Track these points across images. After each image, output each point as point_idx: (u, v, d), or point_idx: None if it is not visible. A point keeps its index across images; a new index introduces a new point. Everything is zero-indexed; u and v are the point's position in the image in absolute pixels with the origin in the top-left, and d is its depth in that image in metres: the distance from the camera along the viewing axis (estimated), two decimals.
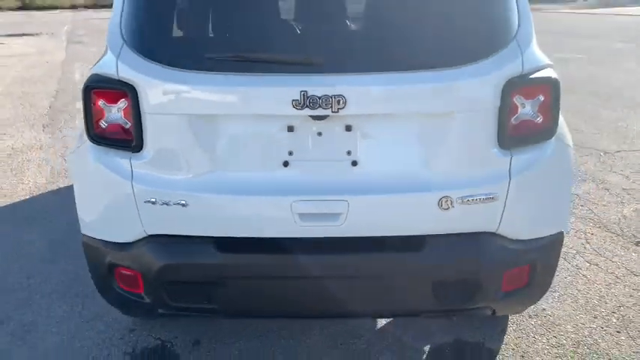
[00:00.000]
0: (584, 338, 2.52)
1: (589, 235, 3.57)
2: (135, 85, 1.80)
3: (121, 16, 1.89)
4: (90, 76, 1.90)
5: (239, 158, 1.86)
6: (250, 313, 2.12)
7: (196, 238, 1.89)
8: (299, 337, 2.51)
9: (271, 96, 1.76)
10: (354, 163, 1.85)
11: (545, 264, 2.05)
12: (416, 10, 1.90)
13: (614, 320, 2.66)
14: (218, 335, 2.53)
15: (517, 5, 1.90)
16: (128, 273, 1.97)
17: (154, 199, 1.87)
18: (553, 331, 2.58)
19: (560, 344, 2.49)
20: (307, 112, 1.74)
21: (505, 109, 1.83)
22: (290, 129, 1.82)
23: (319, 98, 1.72)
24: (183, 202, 1.85)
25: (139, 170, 1.87)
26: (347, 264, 1.89)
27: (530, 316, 2.69)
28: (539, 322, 2.65)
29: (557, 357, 2.40)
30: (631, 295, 2.86)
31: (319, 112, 1.74)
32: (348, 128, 1.82)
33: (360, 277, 1.91)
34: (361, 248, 1.87)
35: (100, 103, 1.86)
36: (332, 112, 1.74)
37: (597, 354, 2.41)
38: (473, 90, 1.82)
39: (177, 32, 2.09)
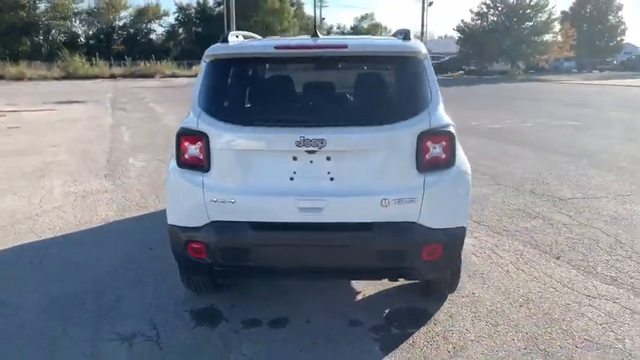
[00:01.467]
0: (496, 309, 3.71)
1: (524, 252, 4.76)
2: (207, 133, 3.19)
3: (199, 93, 3.30)
4: (180, 128, 3.29)
5: (264, 175, 3.19)
6: (269, 269, 3.39)
7: (238, 222, 3.21)
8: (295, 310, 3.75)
9: (283, 139, 3.11)
10: (332, 179, 3.17)
11: (452, 245, 3.30)
12: (369, 91, 3.29)
13: (521, 300, 3.85)
14: (248, 303, 3.79)
15: (430, 89, 3.26)
16: (197, 246, 3.28)
17: (215, 199, 3.21)
18: (476, 305, 3.78)
19: (479, 311, 3.68)
20: (304, 148, 3.10)
21: (420, 148, 3.16)
22: (294, 158, 3.15)
23: (310, 141, 3.08)
24: (232, 200, 3.19)
25: (207, 182, 3.23)
26: (327, 238, 3.17)
27: (462, 296, 3.89)
28: (468, 300, 3.84)
29: (474, 318, 3.59)
30: (539, 288, 4.04)
31: (310, 148, 3.09)
32: (328, 158, 3.15)
33: (335, 246, 3.19)
34: (335, 228, 3.16)
35: (186, 144, 3.25)
36: (318, 149, 3.09)
37: (502, 316, 3.60)
38: (400, 137, 3.15)
39: (230, 102, 3.48)
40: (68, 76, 39.52)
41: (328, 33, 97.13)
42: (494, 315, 3.61)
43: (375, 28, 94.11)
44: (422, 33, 49.93)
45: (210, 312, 3.69)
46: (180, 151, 3.27)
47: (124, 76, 40.20)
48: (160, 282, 4.09)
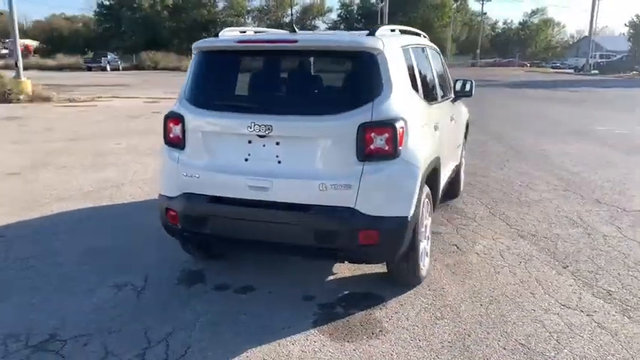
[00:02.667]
0: (451, 304, 3.74)
1: (533, 258, 4.59)
2: (184, 116, 3.70)
3: (185, 81, 3.82)
4: (168, 112, 3.84)
5: (224, 155, 3.62)
6: (222, 237, 3.80)
7: (200, 195, 3.68)
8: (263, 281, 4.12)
9: (237, 124, 3.51)
10: (279, 162, 3.49)
11: (391, 233, 3.44)
12: (316, 83, 3.55)
13: (485, 300, 3.82)
14: (231, 272, 4.24)
15: (382, 83, 3.42)
16: (172, 213, 3.82)
17: (185, 174, 3.71)
18: (436, 298, 3.83)
19: (432, 304, 3.74)
20: (255, 133, 3.46)
21: (361, 139, 3.35)
22: (249, 142, 3.53)
23: (259, 126, 3.43)
24: (197, 175, 3.66)
25: (182, 158, 3.74)
26: (270, 215, 3.50)
27: (429, 289, 3.95)
28: (432, 293, 3.90)
29: (422, 310, 3.67)
30: (516, 292, 3.95)
31: (260, 133, 3.45)
32: (277, 143, 3.48)
33: (277, 223, 3.51)
34: (279, 207, 3.48)
35: (170, 125, 3.79)
36: (266, 134, 3.43)
37: (452, 312, 3.63)
38: (340, 127, 3.36)
39: (201, 89, 3.84)
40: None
41: (493, 29, 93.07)
42: (445, 309, 3.66)
43: (546, 24, 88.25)
44: (590, 28, 46.00)
45: (197, 275, 4.21)
46: (165, 130, 3.82)
47: None
48: (178, 246, 4.61)
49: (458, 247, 4.81)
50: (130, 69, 46.54)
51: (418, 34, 4.97)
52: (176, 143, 3.77)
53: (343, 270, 4.24)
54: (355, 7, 79.28)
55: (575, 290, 3.97)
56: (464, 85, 5.44)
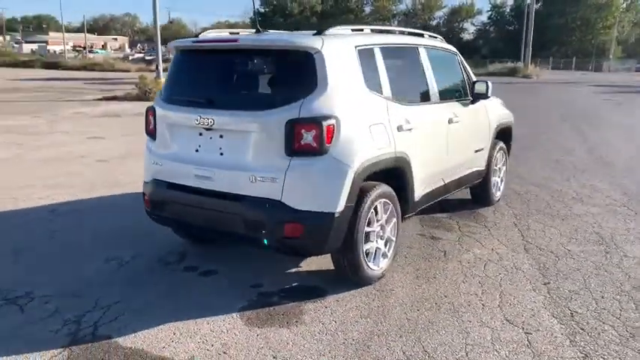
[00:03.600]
0: (384, 305, 3.71)
1: (518, 271, 4.33)
2: (155, 108, 4.10)
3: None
4: (149, 106, 4.27)
5: (180, 146, 3.95)
6: (178, 221, 4.12)
7: (162, 181, 4.05)
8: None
9: (190, 117, 3.82)
10: (222, 154, 3.74)
11: (316, 227, 3.51)
12: (255, 80, 3.73)
13: (426, 303, 3.73)
14: (210, 256, 4.56)
15: (317, 81, 3.52)
16: (145, 197, 4.25)
17: (153, 162, 4.11)
18: (375, 296, 3.82)
19: (364, 302, 3.74)
20: (202, 126, 3.75)
21: (290, 134, 3.48)
22: (200, 134, 3.83)
23: (204, 119, 3.71)
24: (160, 164, 4.05)
25: (153, 147, 4.15)
26: (210, 202, 3.76)
27: (376, 288, 3.94)
28: (374, 291, 3.89)
29: (353, 306, 3.69)
30: (463, 301, 3.80)
31: (206, 126, 3.73)
32: (221, 136, 3.74)
33: (214, 210, 3.76)
34: (218, 195, 3.73)
35: (149, 117, 4.21)
36: (210, 127, 3.71)
37: (379, 312, 3.60)
38: (270, 123, 3.52)
39: (170, 85, 4.17)
40: None
41: None
42: (377, 310, 3.64)
43: None
44: None
45: (178, 256, 4.59)
46: (146, 122, 4.26)
47: None
48: None
49: (445, 254, 4.67)
50: None
51: (418, 35, 4.91)
52: (151, 134, 4.19)
53: (310, 264, 4.35)
54: (507, 9, 75.83)
55: (535, 307, 3.70)
56: (480, 86, 5.22)
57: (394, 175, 4.10)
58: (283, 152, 3.49)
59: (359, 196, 3.69)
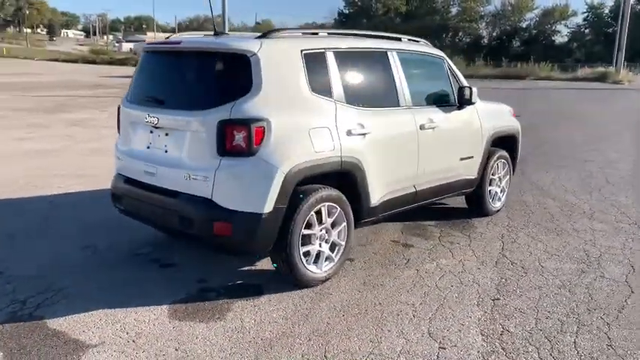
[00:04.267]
0: (313, 308, 3.72)
1: (482, 284, 4.21)
2: (120, 107, 4.35)
3: None
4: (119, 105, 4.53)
5: (135, 142, 4.16)
6: (131, 214, 4.32)
7: (121, 175, 4.28)
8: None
9: (141, 116, 4.01)
10: (166, 151, 3.92)
11: (243, 227, 3.59)
12: (196, 82, 3.85)
13: (362, 305, 3.71)
14: (175, 250, 4.75)
15: (253, 83, 3.61)
16: (111, 191, 4.50)
17: (117, 156, 4.36)
18: (311, 298, 3.85)
19: (299, 303, 3.77)
20: (150, 124, 3.95)
21: (221, 135, 3.59)
22: (151, 132, 4.02)
23: (151, 118, 3.90)
24: (121, 159, 4.28)
25: (118, 144, 4.40)
26: (152, 197, 3.94)
27: (314, 290, 3.96)
28: (311, 293, 3.92)
29: (281, 308, 3.74)
30: (395, 309, 3.74)
31: (153, 124, 3.92)
32: (166, 134, 3.91)
33: (158, 206, 3.92)
34: (158, 191, 3.90)
35: (118, 116, 4.47)
36: (156, 125, 3.89)
37: (310, 311, 3.63)
38: (203, 123, 3.64)
39: (132, 85, 4.38)
40: None
41: None
42: (296, 311, 3.65)
43: None
44: None
45: (151, 248, 4.80)
46: (118, 120, 4.52)
47: (495, 77, 40.89)
48: None
49: (407, 263, 4.59)
50: None
51: (394, 39, 4.86)
52: (118, 130, 4.43)
53: (266, 263, 4.41)
54: (606, 10, 71.45)
55: (467, 323, 3.58)
56: (465, 92, 5.08)
57: (346, 179, 4.09)
58: (215, 152, 3.59)
59: (294, 198, 3.72)
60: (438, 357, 3.17)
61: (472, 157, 5.40)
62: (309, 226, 3.90)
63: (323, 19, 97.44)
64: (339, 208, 4.06)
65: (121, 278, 4.16)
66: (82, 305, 3.69)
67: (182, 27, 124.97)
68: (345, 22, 73.31)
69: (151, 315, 3.60)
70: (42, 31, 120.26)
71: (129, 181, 4.17)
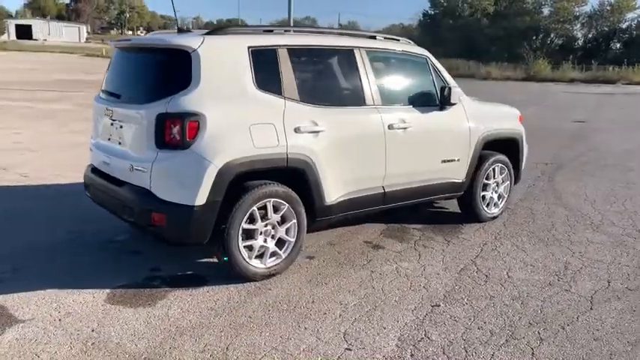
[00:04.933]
0: (248, 302, 3.78)
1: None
2: (93, 101, 4.61)
3: None
4: None
5: (100, 134, 4.39)
6: (96, 202, 4.53)
7: (90, 165, 4.53)
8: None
9: (102, 109, 4.24)
10: (120, 143, 4.11)
11: (176, 218, 3.70)
12: (145, 76, 4.01)
13: (283, 303, 3.73)
14: (147, 242, 4.96)
15: (192, 78, 3.72)
16: (83, 180, 4.76)
17: (90, 147, 4.62)
18: (248, 293, 3.90)
19: (234, 295, 3.84)
20: (108, 117, 4.16)
21: (159, 128, 3.73)
22: (111, 124, 4.24)
23: (109, 110, 4.12)
24: (91, 149, 4.54)
25: (91, 135, 4.66)
26: (106, 187, 4.15)
27: (256, 285, 4.02)
28: (251, 287, 3.97)
29: (213, 300, 3.82)
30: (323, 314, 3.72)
31: (110, 117, 4.13)
32: (121, 127, 4.11)
33: (110, 195, 4.11)
34: (112, 180, 4.10)
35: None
36: (111, 118, 4.10)
37: (239, 307, 3.69)
38: (144, 116, 3.78)
39: (103, 85, 4.56)
40: (528, 78, 40.94)
41: None
42: (227, 304, 3.72)
43: None
44: None
45: (128, 235, 5.06)
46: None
47: (583, 82, 38.69)
48: None
49: (367, 264, 4.53)
50: None
51: (369, 37, 4.79)
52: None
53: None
54: None
55: (391, 327, 3.50)
56: (446, 92, 4.92)
57: (296, 176, 4.11)
58: (154, 144, 3.73)
59: (233, 192, 3.79)
60: (339, 357, 3.12)
61: (457, 159, 5.21)
62: (252, 221, 3.95)
63: (409, 20, 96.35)
64: (287, 205, 4.08)
65: (86, 262, 4.40)
66: (35, 284, 3.93)
67: None
68: (429, 22, 72.18)
69: (89, 297, 3.79)
70: (142, 33, 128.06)
71: (94, 170, 4.41)
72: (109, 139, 4.25)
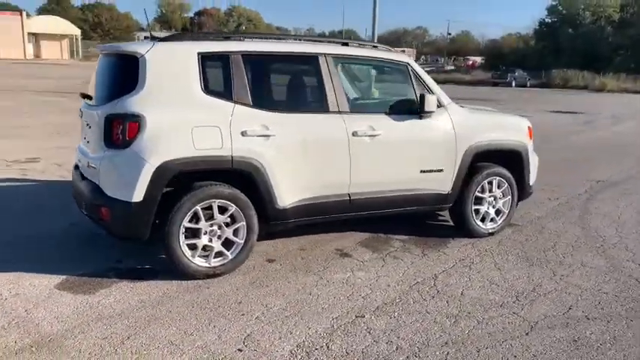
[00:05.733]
0: (182, 299, 3.93)
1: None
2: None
3: None
4: None
5: (82, 135, 4.77)
6: (73, 196, 4.86)
7: (74, 164, 4.93)
8: None
9: (80, 111, 4.61)
10: (88, 142, 4.44)
11: (117, 214, 3.94)
12: (107, 79, 4.28)
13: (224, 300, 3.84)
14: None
15: (139, 82, 3.96)
16: None
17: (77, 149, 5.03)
18: (182, 290, 4.05)
19: (171, 290, 4.01)
20: (83, 118, 4.52)
21: (107, 127, 4.00)
22: (87, 125, 4.59)
23: (81, 112, 4.48)
24: (76, 149, 4.94)
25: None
26: (76, 181, 4.48)
27: (197, 285, 4.15)
28: (190, 284, 4.11)
29: (146, 293, 4.01)
30: (255, 325, 3.77)
31: (83, 118, 4.48)
32: (89, 127, 4.44)
33: (77, 188, 4.44)
34: (80, 177, 4.44)
35: None
36: (84, 119, 4.45)
37: (179, 302, 3.86)
38: (97, 116, 4.07)
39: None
40: None
41: None
42: (161, 299, 3.89)
43: None
44: None
45: None
46: None
47: None
48: None
49: (323, 269, 4.52)
50: (537, 86, 45.99)
51: (342, 44, 4.78)
52: None
53: None
54: None
55: (294, 332, 3.48)
56: (421, 99, 4.78)
57: (245, 178, 4.20)
58: (103, 143, 4.01)
59: (175, 191, 3.97)
60: (224, 357, 3.17)
61: (440, 169, 5.01)
62: (196, 220, 4.09)
63: (525, 29, 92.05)
64: (234, 207, 4.18)
65: (65, 252, 4.76)
66: (11, 268, 4.32)
67: (382, 39, 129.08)
68: (546, 31, 68.60)
69: (45, 282, 4.12)
70: None
71: (76, 168, 4.79)
72: (84, 138, 4.59)
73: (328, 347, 3.30)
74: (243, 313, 3.71)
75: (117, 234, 4.17)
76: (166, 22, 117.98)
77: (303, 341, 3.36)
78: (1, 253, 4.66)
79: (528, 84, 46.18)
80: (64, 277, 4.20)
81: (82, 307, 3.74)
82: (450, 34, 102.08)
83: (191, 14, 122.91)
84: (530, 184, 5.68)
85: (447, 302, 3.96)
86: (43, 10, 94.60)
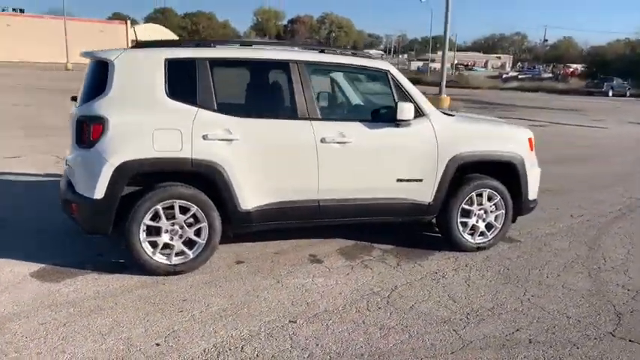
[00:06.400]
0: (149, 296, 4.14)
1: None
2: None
3: None
4: None
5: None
6: None
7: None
8: None
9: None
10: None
11: (82, 210, 4.21)
12: (89, 83, 4.54)
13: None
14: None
15: (106, 86, 4.22)
16: None
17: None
18: (159, 289, 4.26)
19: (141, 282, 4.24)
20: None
21: (78, 129, 4.29)
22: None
23: (72, 115, 4.83)
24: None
25: None
26: (62, 183, 4.81)
27: (155, 281, 4.35)
28: (160, 281, 4.32)
29: (106, 285, 4.25)
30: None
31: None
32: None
33: (60, 190, 4.78)
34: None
35: None
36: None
37: (148, 303, 4.09)
38: (74, 117, 4.38)
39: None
40: None
41: None
42: (115, 293, 4.12)
43: None
44: None
45: None
46: None
47: None
48: None
49: (287, 274, 4.55)
50: (637, 96, 42.84)
51: (319, 50, 4.80)
52: None
53: None
54: None
55: (211, 331, 3.57)
56: (395, 108, 4.71)
57: (207, 180, 4.35)
58: (77, 144, 4.31)
59: (135, 190, 4.20)
60: (140, 349, 3.31)
61: (419, 179, 4.90)
62: (157, 219, 4.29)
63: (634, 34, 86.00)
64: (195, 207, 4.33)
65: (57, 242, 5.12)
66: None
67: (475, 46, 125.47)
68: None
69: (22, 269, 4.46)
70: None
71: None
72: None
73: (242, 349, 3.35)
74: (182, 310, 3.83)
75: (84, 229, 4.44)
76: (261, 29, 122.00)
77: (222, 342, 3.43)
78: (9, 243, 5.07)
79: (628, 93, 43.13)
80: (42, 265, 4.53)
81: (41, 293, 4.02)
82: (546, 40, 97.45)
83: (285, 22, 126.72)
84: (530, 198, 5.38)
85: (390, 314, 3.87)
86: (149, 19, 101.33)
